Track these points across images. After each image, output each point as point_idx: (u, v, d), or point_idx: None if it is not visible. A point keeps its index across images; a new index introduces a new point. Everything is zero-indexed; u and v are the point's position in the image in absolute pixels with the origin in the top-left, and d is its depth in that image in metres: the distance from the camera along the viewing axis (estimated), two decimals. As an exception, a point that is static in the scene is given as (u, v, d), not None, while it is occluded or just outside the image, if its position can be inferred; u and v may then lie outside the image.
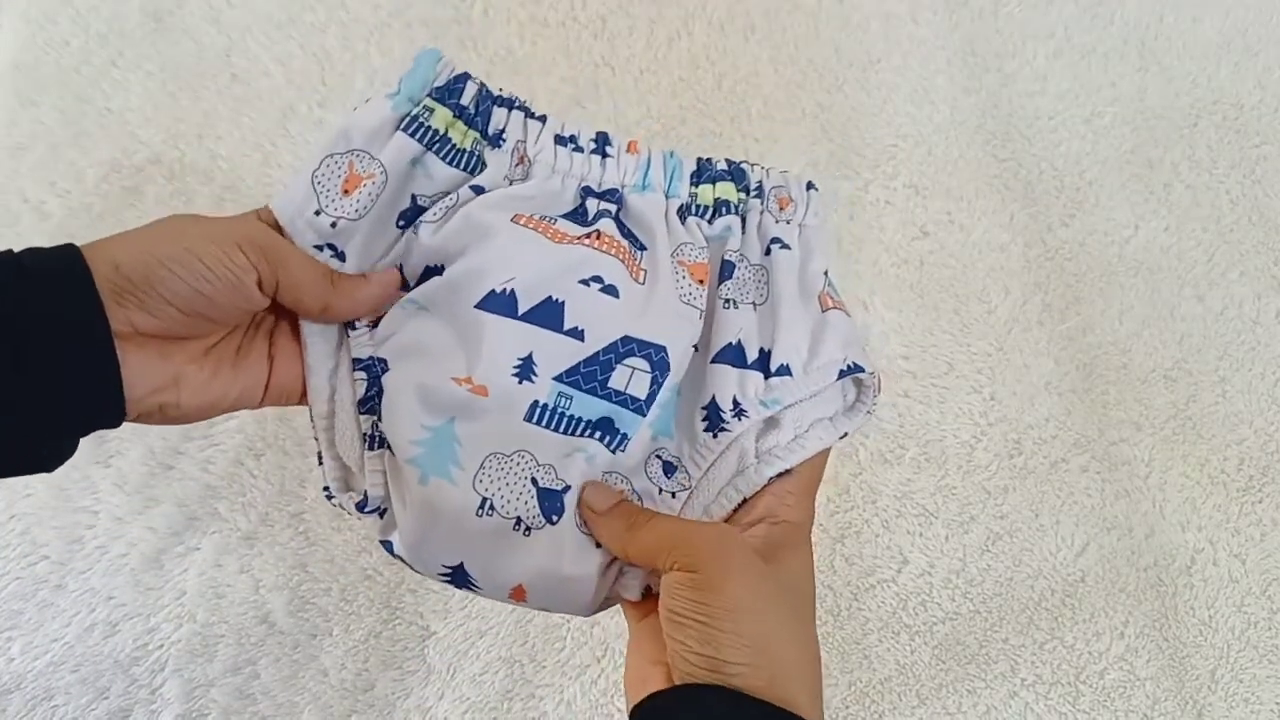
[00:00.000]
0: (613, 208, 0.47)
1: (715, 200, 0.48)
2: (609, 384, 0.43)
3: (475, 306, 0.43)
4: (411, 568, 0.45)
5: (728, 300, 0.46)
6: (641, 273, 0.46)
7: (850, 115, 0.92)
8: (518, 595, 0.44)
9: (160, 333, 0.39)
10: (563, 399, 0.43)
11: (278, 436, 0.77)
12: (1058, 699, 0.77)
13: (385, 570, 0.75)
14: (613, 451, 0.43)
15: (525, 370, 0.42)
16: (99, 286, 0.36)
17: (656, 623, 0.40)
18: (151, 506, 0.75)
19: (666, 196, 0.48)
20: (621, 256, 0.45)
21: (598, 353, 0.43)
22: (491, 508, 0.42)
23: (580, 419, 0.43)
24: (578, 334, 0.43)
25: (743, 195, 0.49)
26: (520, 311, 0.43)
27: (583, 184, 0.47)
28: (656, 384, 0.44)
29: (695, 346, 0.46)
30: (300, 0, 0.90)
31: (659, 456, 0.45)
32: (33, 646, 0.72)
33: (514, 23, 0.92)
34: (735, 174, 0.49)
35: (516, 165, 0.46)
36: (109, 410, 0.38)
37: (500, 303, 0.43)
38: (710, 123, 0.91)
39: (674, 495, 0.45)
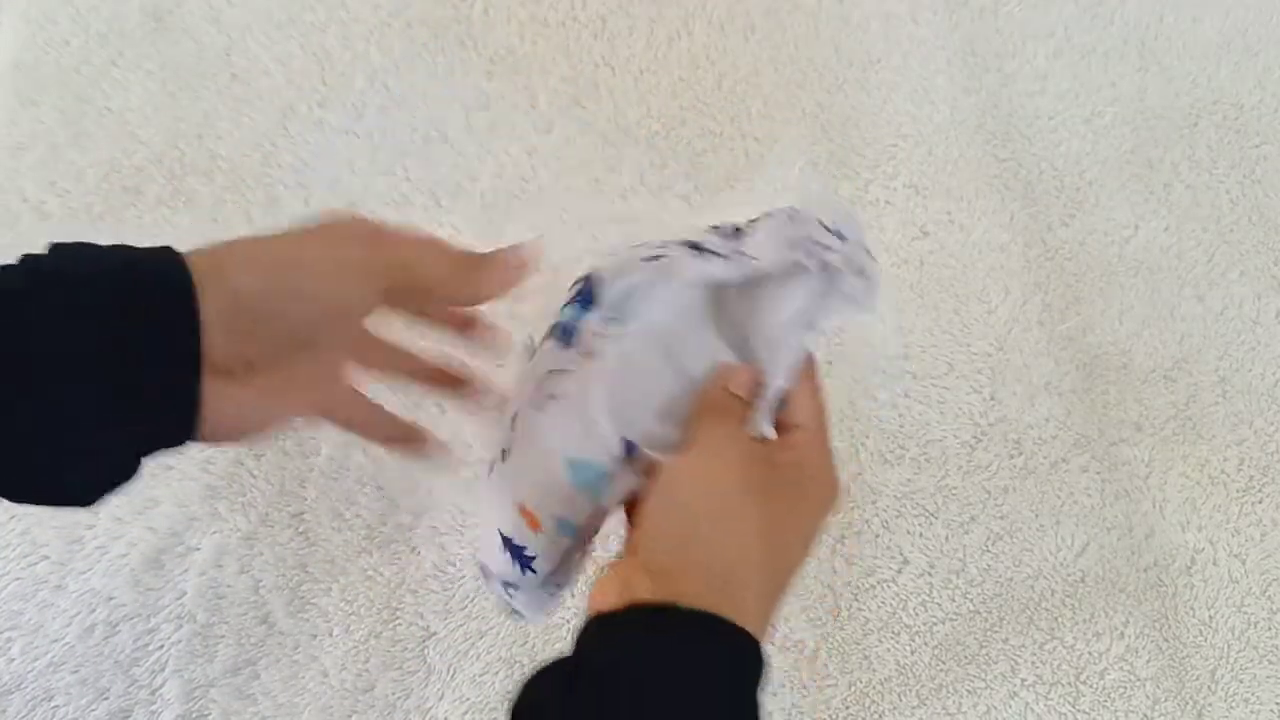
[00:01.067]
0: None
1: None
2: None
3: None
4: None
5: None
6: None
7: (850, 115, 0.92)
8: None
9: (256, 360, 0.37)
10: None
11: (278, 436, 0.77)
12: (1058, 699, 0.77)
13: (385, 570, 0.75)
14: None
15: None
16: (211, 314, 0.34)
17: None
18: (151, 506, 0.75)
19: None
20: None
21: None
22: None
23: None
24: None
25: None
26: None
27: None
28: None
29: None
30: (300, 0, 0.90)
31: None
32: (33, 647, 0.72)
33: (514, 23, 0.92)
34: None
35: None
36: (180, 436, 0.36)
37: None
38: (710, 123, 0.91)
39: None
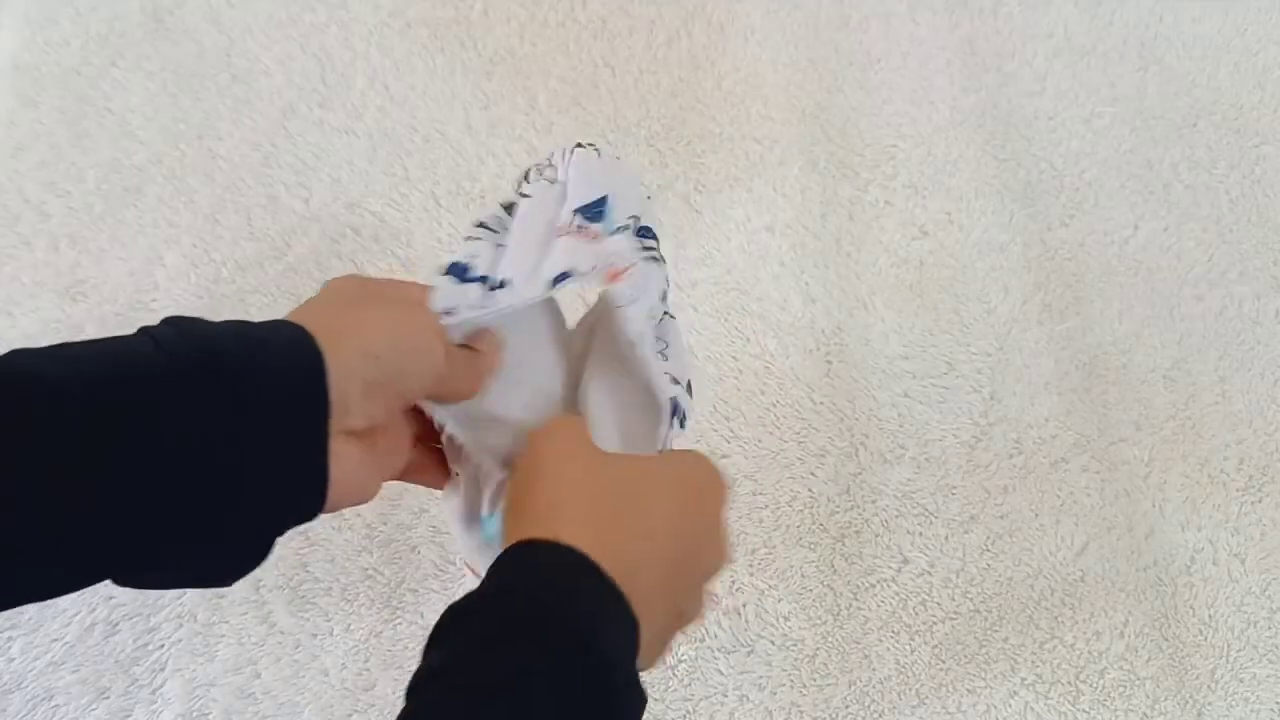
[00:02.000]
0: None
1: None
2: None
3: None
4: None
5: None
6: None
7: (850, 115, 0.92)
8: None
9: (378, 420, 0.37)
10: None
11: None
12: (1058, 699, 0.77)
13: (386, 570, 0.75)
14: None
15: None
16: (349, 377, 0.34)
17: None
18: (152, 506, 0.75)
19: None
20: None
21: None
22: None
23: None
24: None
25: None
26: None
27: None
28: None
29: None
30: (300, 0, 0.90)
31: None
32: (33, 646, 0.72)
33: (514, 23, 0.92)
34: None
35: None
36: (307, 510, 0.36)
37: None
38: (710, 123, 0.91)
39: None
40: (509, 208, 0.47)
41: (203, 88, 0.87)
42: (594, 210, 0.47)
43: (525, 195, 0.47)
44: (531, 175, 0.48)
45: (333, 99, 0.88)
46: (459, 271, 0.43)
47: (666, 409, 0.44)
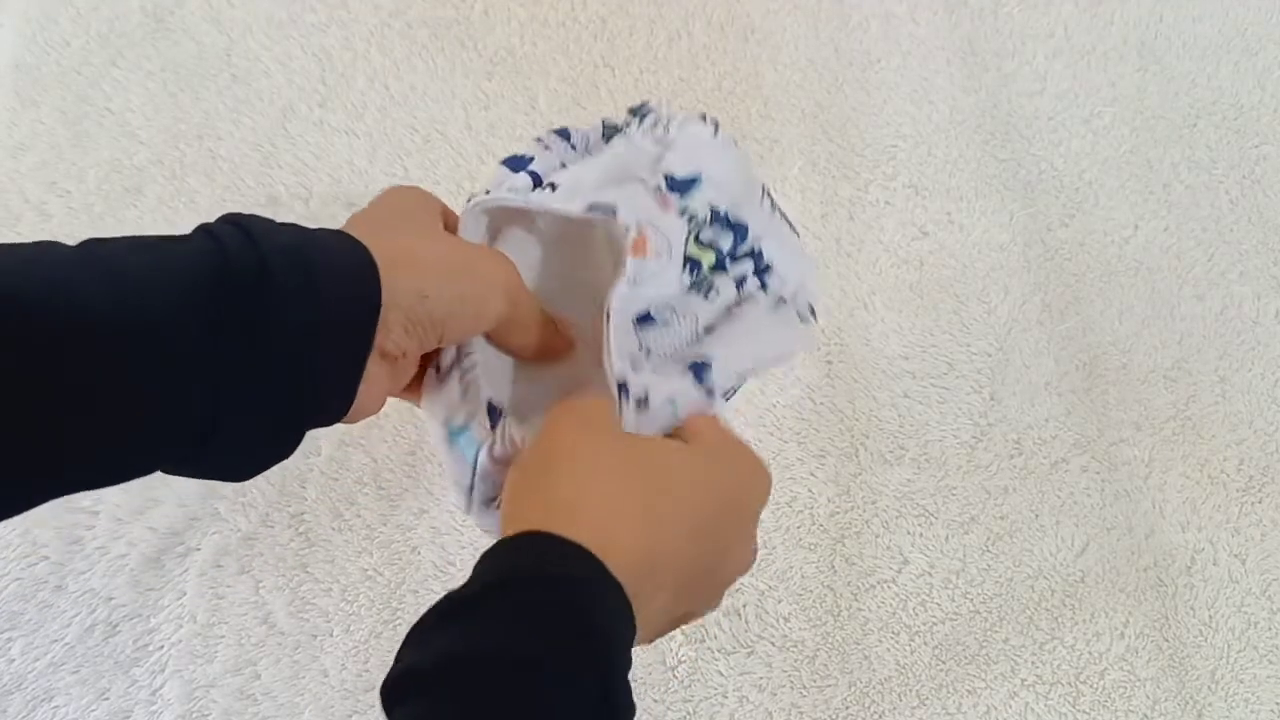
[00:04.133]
0: None
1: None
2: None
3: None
4: None
5: None
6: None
7: (850, 115, 0.92)
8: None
9: (412, 353, 0.39)
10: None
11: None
12: (1058, 699, 0.77)
13: (386, 570, 0.75)
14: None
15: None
16: (396, 307, 0.35)
17: None
18: (151, 507, 0.75)
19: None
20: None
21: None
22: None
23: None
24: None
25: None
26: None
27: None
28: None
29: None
30: (300, 0, 0.90)
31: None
32: (33, 647, 0.72)
33: (514, 23, 0.92)
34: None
35: None
36: (331, 417, 0.37)
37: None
38: (710, 123, 0.91)
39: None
40: (608, 134, 0.47)
41: (203, 88, 0.87)
42: (682, 184, 0.46)
43: (623, 134, 0.47)
44: (645, 124, 0.47)
45: (333, 99, 0.88)
46: (515, 164, 0.44)
47: (613, 389, 0.41)
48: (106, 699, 0.71)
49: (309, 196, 0.83)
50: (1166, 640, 0.79)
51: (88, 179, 0.83)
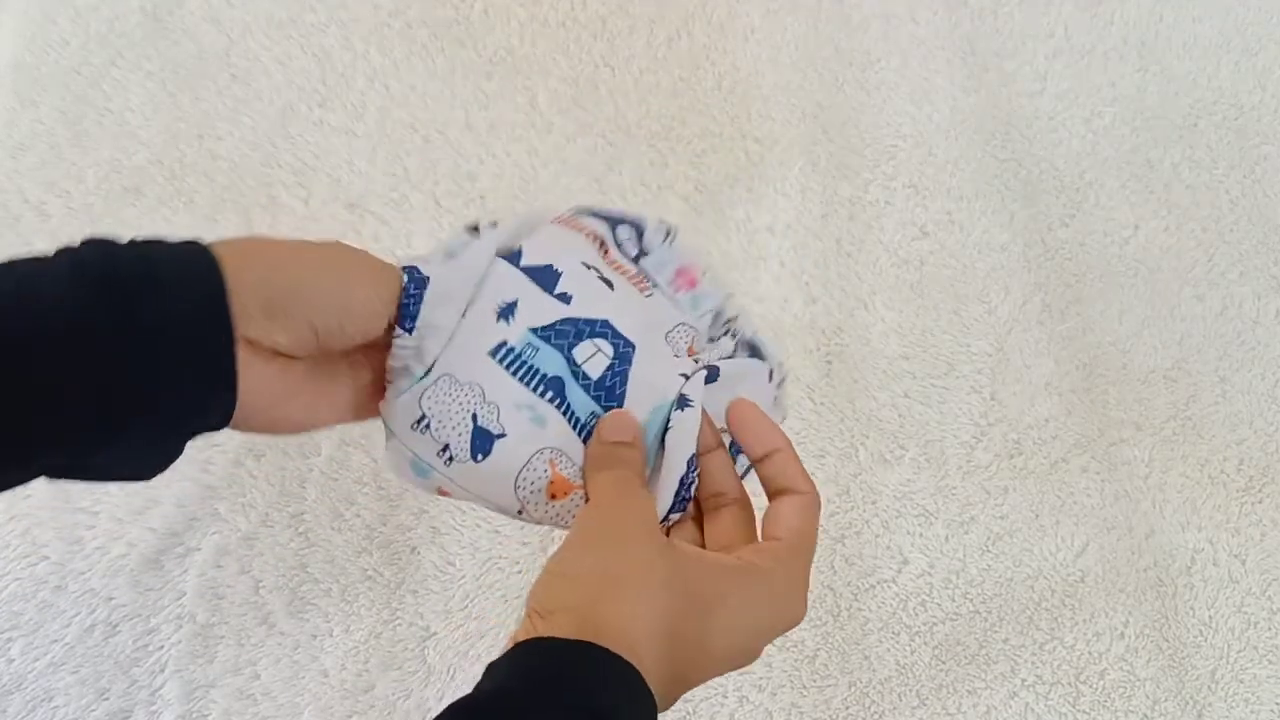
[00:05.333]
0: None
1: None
2: (572, 351, 0.44)
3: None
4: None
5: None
6: (647, 287, 0.48)
7: (850, 115, 0.92)
8: (442, 493, 0.46)
9: (287, 350, 0.39)
10: (530, 349, 0.44)
11: (277, 437, 0.77)
12: (1058, 699, 0.77)
13: (385, 571, 0.75)
14: (564, 414, 0.44)
15: (507, 312, 0.44)
16: (247, 290, 0.36)
17: None
18: (151, 507, 0.75)
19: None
20: (629, 275, 0.48)
21: (577, 319, 0.45)
22: (427, 426, 0.43)
23: (538, 371, 0.44)
24: (565, 299, 0.45)
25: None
26: (521, 263, 0.45)
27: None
28: (613, 375, 0.45)
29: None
30: (300, 0, 0.90)
31: None
32: (33, 647, 0.72)
33: (514, 23, 0.92)
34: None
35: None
36: (219, 414, 0.38)
37: (510, 254, 0.46)
38: (710, 123, 0.91)
39: None
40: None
41: (202, 87, 0.87)
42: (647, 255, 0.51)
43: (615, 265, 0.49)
44: (619, 245, 0.50)
45: (333, 99, 0.88)
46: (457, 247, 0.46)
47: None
48: (106, 699, 0.71)
49: (309, 196, 0.83)
50: (1166, 640, 0.79)
51: (87, 179, 0.83)
